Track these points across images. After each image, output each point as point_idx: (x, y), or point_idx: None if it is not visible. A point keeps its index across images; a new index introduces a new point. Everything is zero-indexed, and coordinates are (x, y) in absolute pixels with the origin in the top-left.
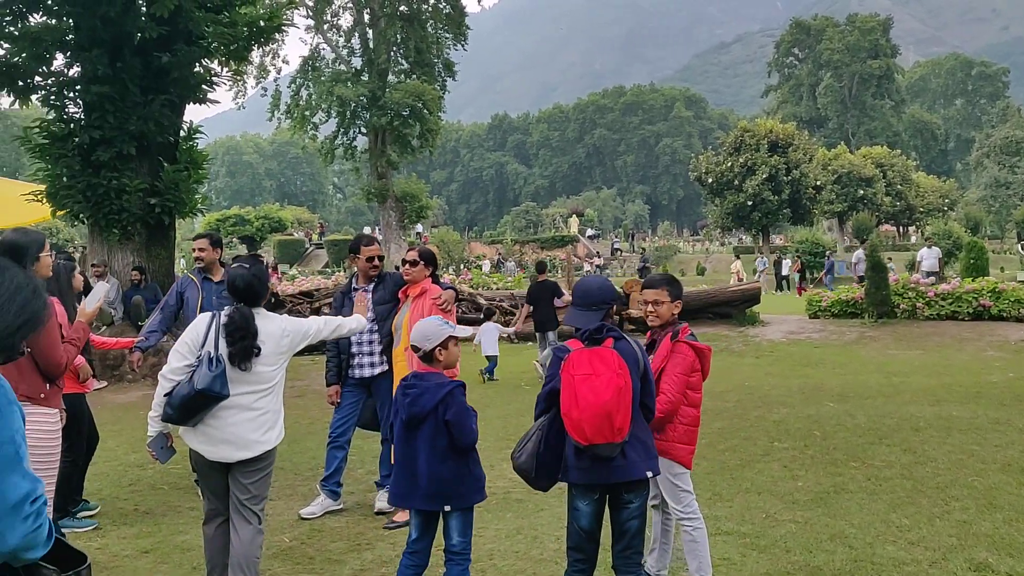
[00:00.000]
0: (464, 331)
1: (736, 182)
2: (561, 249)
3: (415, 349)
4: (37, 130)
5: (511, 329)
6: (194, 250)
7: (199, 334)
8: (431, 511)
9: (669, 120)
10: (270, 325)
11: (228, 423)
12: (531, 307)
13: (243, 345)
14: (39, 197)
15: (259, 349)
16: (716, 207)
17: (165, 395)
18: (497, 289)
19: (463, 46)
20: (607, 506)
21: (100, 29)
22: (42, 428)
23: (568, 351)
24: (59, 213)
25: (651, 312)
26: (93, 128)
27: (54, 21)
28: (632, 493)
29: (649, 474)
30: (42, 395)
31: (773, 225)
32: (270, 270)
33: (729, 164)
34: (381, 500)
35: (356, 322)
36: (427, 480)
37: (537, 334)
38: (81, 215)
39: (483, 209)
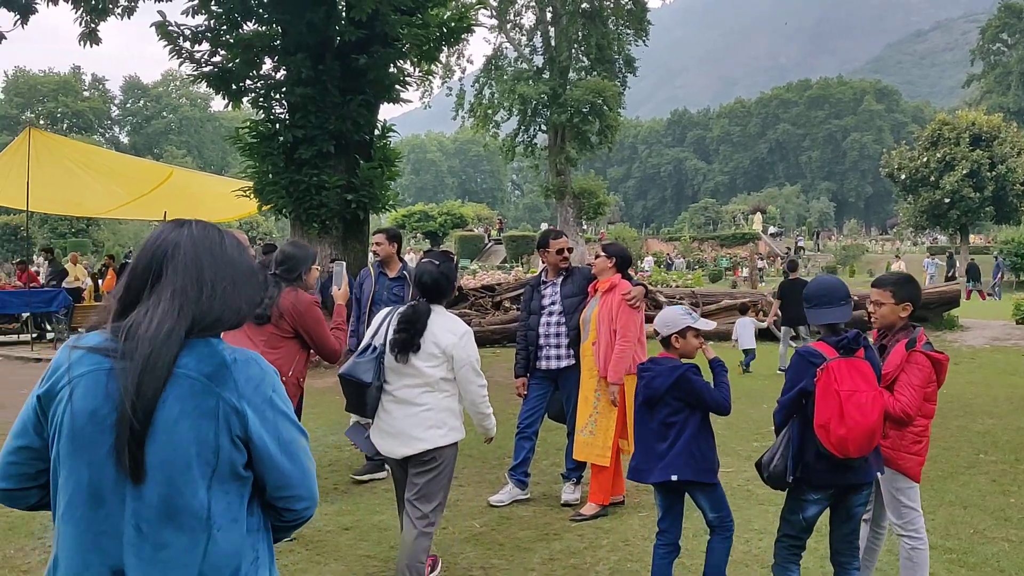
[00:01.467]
0: (706, 324)
1: (932, 178)
2: (742, 247)
3: (656, 334)
4: (247, 130)
5: (765, 323)
6: (373, 244)
7: (374, 327)
8: (672, 492)
9: (858, 114)
10: (443, 328)
11: (393, 417)
12: (780, 302)
13: (403, 337)
14: (247, 193)
15: (419, 346)
16: (909, 205)
17: None
18: (676, 287)
19: (644, 41)
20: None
21: (305, 34)
22: None
23: (816, 355)
24: (264, 208)
25: (872, 313)
26: (296, 127)
27: (264, 28)
28: (863, 490)
29: (878, 475)
30: (283, 379)
31: (973, 224)
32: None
33: (925, 159)
34: (568, 492)
35: (491, 425)
36: (661, 458)
37: (783, 328)
38: (284, 210)
39: (660, 206)
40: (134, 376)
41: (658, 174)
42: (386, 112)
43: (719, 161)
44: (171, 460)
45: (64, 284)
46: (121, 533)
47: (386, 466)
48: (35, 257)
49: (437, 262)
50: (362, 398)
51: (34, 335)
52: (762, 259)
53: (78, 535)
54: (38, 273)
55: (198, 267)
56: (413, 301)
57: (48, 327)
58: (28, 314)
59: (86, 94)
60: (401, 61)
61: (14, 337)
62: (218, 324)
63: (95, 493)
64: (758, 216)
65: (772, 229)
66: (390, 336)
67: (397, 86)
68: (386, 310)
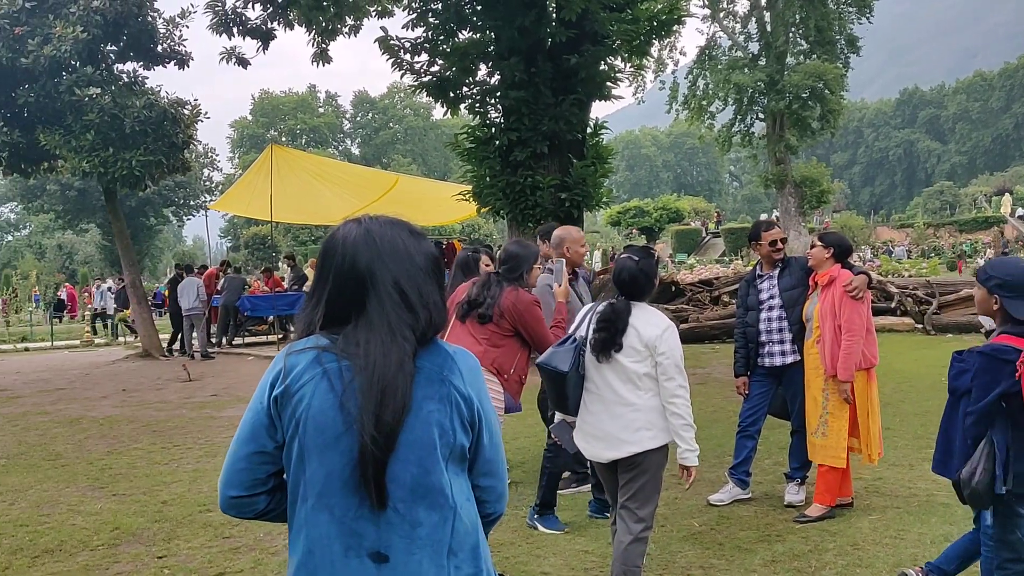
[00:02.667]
0: None
1: None
2: (984, 231)
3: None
4: (465, 135)
5: None
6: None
7: (577, 320)
8: None
9: None
10: (646, 324)
11: (598, 418)
12: None
13: (603, 336)
14: (466, 197)
15: (620, 345)
16: None
17: None
18: (909, 276)
19: (868, 19)
20: None
21: (517, 39)
22: (492, 399)
23: (1009, 350)
24: (483, 210)
25: None
26: (511, 130)
27: (478, 36)
28: None
29: None
30: (505, 376)
31: None
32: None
33: None
34: (791, 493)
35: (690, 437)
36: (959, 455)
37: None
38: (501, 211)
39: (890, 191)
40: (372, 407)
41: (886, 158)
42: (598, 110)
43: (955, 141)
44: (419, 441)
45: (305, 288)
46: (377, 516)
47: (590, 476)
48: (280, 264)
49: (637, 258)
50: (562, 389)
51: (280, 336)
52: (1006, 245)
53: (333, 521)
54: (283, 279)
55: (399, 282)
56: (611, 299)
57: (292, 328)
58: (274, 316)
59: (321, 110)
60: (612, 58)
61: (263, 338)
62: (434, 331)
63: (349, 479)
64: (1006, 198)
65: (1020, 211)
66: (590, 336)
67: (608, 83)
68: (589, 305)
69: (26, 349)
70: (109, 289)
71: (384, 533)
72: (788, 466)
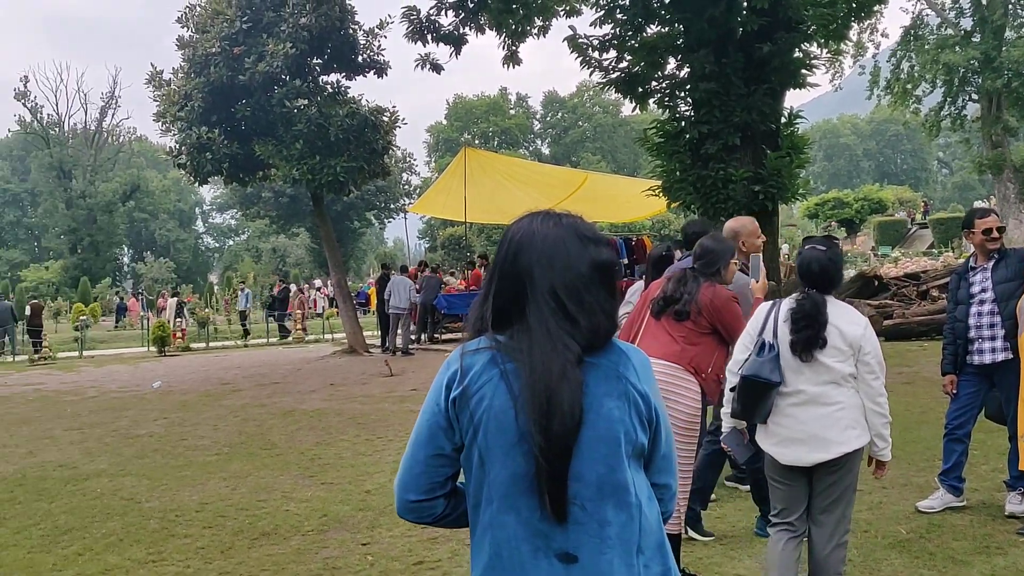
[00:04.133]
0: None
1: None
2: None
3: None
4: (654, 130)
5: None
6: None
7: (758, 322)
8: None
9: None
10: (848, 323)
11: (799, 420)
12: None
13: (807, 334)
14: (656, 192)
15: (825, 340)
16: None
17: (730, 389)
18: None
19: None
20: None
21: (706, 30)
22: (689, 398)
23: None
24: (673, 205)
25: None
26: (701, 123)
27: (666, 29)
28: None
29: None
30: (703, 375)
31: None
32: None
33: None
34: (1014, 503)
35: (887, 434)
36: None
37: None
38: (692, 206)
39: None
40: (538, 417)
41: None
42: (793, 99)
43: None
44: (603, 438)
45: None
46: (564, 516)
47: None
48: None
49: (823, 247)
50: (764, 401)
51: None
52: None
53: (520, 523)
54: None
55: (555, 289)
56: (797, 294)
57: None
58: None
59: (512, 112)
60: (807, 44)
61: (459, 335)
62: (601, 340)
63: (532, 480)
64: None
65: None
66: (786, 335)
67: (803, 71)
68: (768, 304)
69: (245, 345)
70: (318, 289)
71: (572, 533)
72: (1008, 474)
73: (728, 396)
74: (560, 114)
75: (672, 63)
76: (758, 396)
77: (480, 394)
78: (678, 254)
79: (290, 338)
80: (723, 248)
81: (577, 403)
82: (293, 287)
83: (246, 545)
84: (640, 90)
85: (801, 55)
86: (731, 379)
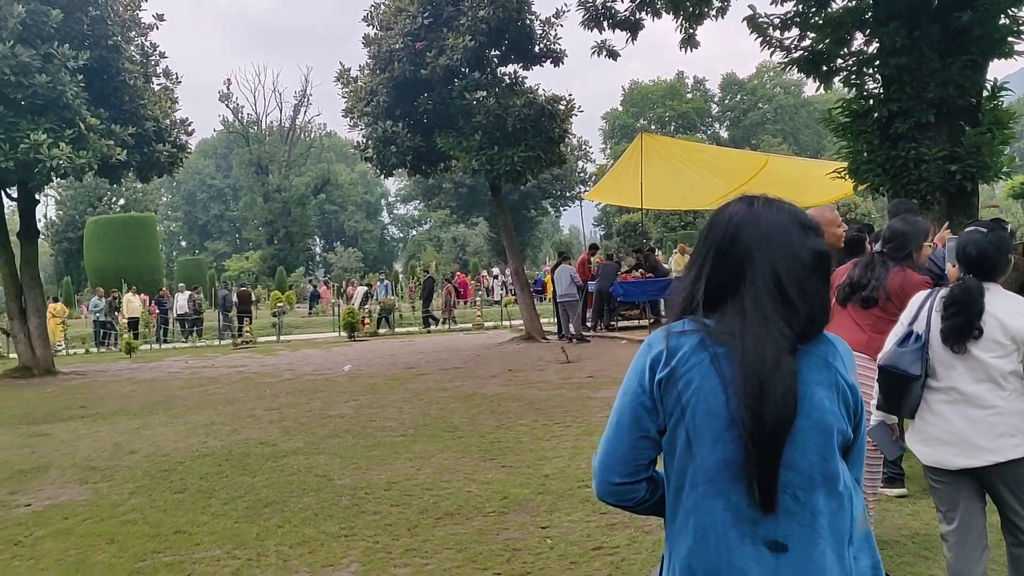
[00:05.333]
0: None
1: None
2: None
3: None
4: (839, 110)
5: None
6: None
7: (912, 311)
8: None
9: None
10: (1012, 314)
11: (947, 420)
12: None
13: (956, 322)
14: (841, 174)
15: (980, 331)
16: None
17: (877, 379)
18: None
19: None
20: None
21: (897, 1)
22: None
23: None
24: (860, 188)
25: None
26: (891, 101)
27: (853, 3)
28: None
29: None
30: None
31: None
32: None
33: None
34: None
35: None
36: None
37: None
38: (880, 188)
39: None
40: (750, 403)
41: None
42: (996, 70)
43: None
44: (815, 427)
45: (674, 275)
46: (773, 505)
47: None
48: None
49: (985, 229)
50: (905, 394)
51: (651, 320)
52: None
53: (728, 508)
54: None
55: (777, 274)
56: (959, 280)
57: (663, 313)
58: (645, 301)
59: (688, 96)
60: (1015, 9)
61: (635, 322)
62: (815, 330)
63: (744, 467)
64: None
65: None
66: (938, 323)
67: (1010, 38)
68: (924, 292)
69: (428, 331)
70: (495, 278)
71: (782, 522)
72: None
73: (876, 386)
74: (739, 96)
75: (859, 38)
76: (898, 388)
77: (688, 377)
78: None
79: (436, 327)
80: (915, 230)
81: (791, 391)
82: (442, 275)
83: (431, 524)
84: (824, 68)
85: (1007, 21)
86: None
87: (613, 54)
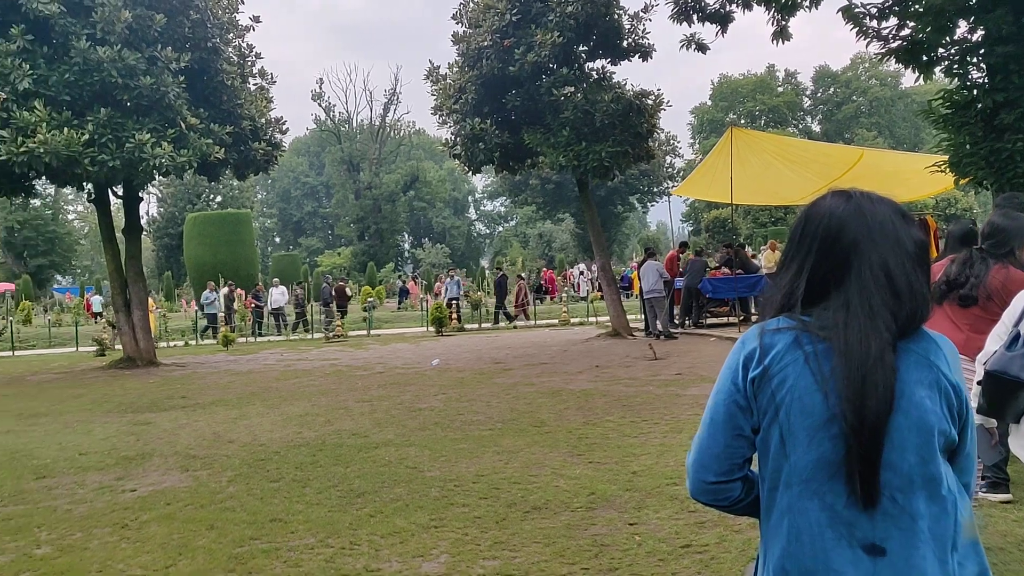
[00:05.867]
0: None
1: None
2: None
3: None
4: (940, 101)
5: None
6: None
7: (1016, 311)
8: None
9: None
10: None
11: None
12: None
13: None
14: (941, 168)
15: None
16: None
17: (977, 382)
18: None
19: None
20: None
21: None
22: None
23: None
24: (962, 182)
25: None
26: (996, 91)
27: None
28: None
29: None
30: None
31: None
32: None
33: None
34: None
35: None
36: None
37: None
38: (983, 182)
39: None
40: (853, 396)
41: None
42: None
43: None
44: (915, 427)
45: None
46: (872, 506)
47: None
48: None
49: None
50: (1012, 400)
51: (740, 317)
52: None
53: (824, 509)
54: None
55: (887, 265)
56: None
57: (753, 310)
58: (735, 298)
59: (779, 89)
60: None
61: (724, 319)
62: (917, 323)
63: (840, 467)
64: None
65: None
66: None
67: None
68: None
69: (514, 327)
70: (581, 274)
71: (880, 524)
72: None
73: (975, 390)
74: (832, 89)
75: (962, 26)
76: (1005, 394)
77: (782, 375)
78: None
79: (510, 324)
80: (1017, 226)
81: (890, 387)
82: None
83: (519, 517)
84: (924, 58)
85: None
86: (979, 370)
87: (702, 47)
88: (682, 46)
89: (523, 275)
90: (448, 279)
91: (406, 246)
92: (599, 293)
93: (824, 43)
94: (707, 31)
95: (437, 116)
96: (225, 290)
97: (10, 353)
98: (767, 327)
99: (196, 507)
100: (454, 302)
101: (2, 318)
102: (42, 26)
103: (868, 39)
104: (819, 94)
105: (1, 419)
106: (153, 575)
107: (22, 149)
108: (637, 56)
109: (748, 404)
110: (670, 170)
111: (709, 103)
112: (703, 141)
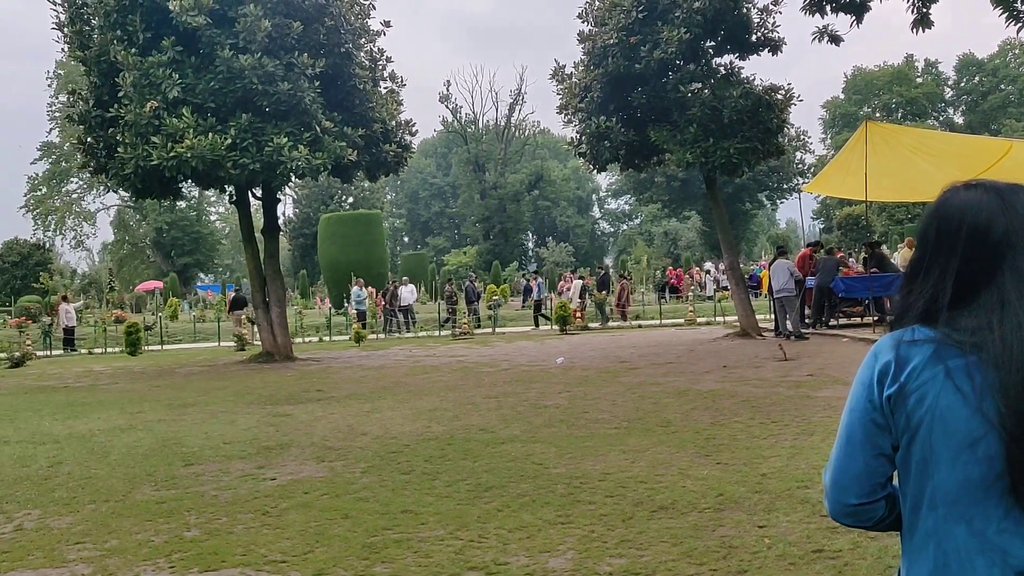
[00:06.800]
0: None
1: None
2: None
3: None
4: None
5: None
6: None
7: None
8: None
9: None
10: None
11: None
12: None
13: None
14: None
15: None
16: None
17: None
18: None
19: None
20: None
21: None
22: None
23: None
24: None
25: None
26: None
27: None
28: None
29: None
30: None
31: None
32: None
33: None
34: None
35: None
36: None
37: None
38: None
39: None
40: (1016, 405)
41: None
42: None
43: None
44: None
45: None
46: None
47: None
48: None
49: None
50: None
51: (875, 318)
52: None
53: (971, 534)
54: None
55: None
56: None
57: (889, 311)
58: (869, 297)
59: (919, 80)
60: None
61: (858, 320)
62: None
63: (990, 489)
64: None
65: None
66: None
67: None
68: None
69: (639, 326)
70: (707, 272)
71: None
72: None
73: None
74: (977, 78)
75: None
76: None
77: (920, 392)
78: None
79: (604, 324)
80: None
81: None
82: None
83: (645, 516)
84: None
85: None
86: None
87: (836, 39)
88: (814, 38)
89: (627, 275)
90: (535, 280)
91: (530, 245)
92: (726, 292)
93: (969, 30)
94: (841, 22)
95: (562, 115)
96: (393, 285)
97: (159, 347)
98: (903, 338)
99: (332, 496)
100: (578, 301)
101: (152, 314)
102: (190, 37)
103: (1019, 24)
104: (963, 84)
105: (153, 408)
106: (293, 560)
107: (171, 154)
108: (767, 50)
109: (886, 422)
110: (800, 166)
111: (842, 96)
112: (835, 136)
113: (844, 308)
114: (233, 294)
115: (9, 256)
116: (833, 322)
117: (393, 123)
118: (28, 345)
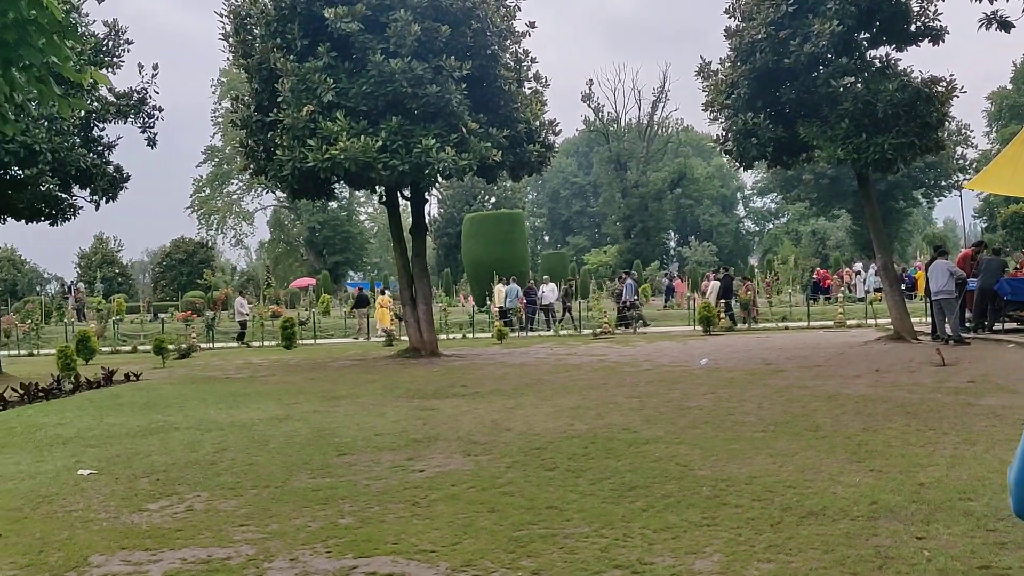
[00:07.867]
0: None
1: None
2: None
3: None
4: None
5: None
6: None
7: None
8: None
9: None
10: None
11: None
12: None
13: None
14: None
15: None
16: None
17: None
18: None
19: None
20: None
21: None
22: None
23: None
24: None
25: None
26: None
27: None
28: None
29: None
30: None
31: None
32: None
33: None
34: None
35: None
36: None
37: None
38: None
39: None
40: None
41: None
42: None
43: None
44: None
45: None
46: None
47: None
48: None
49: None
50: None
51: None
52: None
53: None
54: None
55: None
56: None
57: None
58: None
59: None
60: None
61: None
62: None
63: None
64: None
65: None
66: None
67: None
68: None
69: (786, 328)
70: (858, 274)
71: None
72: None
73: None
74: None
75: None
76: None
77: None
78: None
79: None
80: None
81: None
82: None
83: (794, 522)
84: None
85: None
86: None
87: (1006, 25)
88: (981, 25)
89: (750, 278)
90: (626, 281)
91: (672, 244)
92: (878, 294)
93: None
94: (1012, 7)
95: (708, 112)
96: (532, 283)
97: (312, 341)
98: None
99: (478, 490)
100: (722, 302)
101: (306, 310)
102: (344, 43)
103: None
104: None
105: (308, 400)
106: (442, 551)
107: (326, 156)
108: (927, 40)
109: None
110: (961, 162)
111: (1010, 86)
112: (1002, 129)
113: (1010, 312)
114: (356, 292)
115: (176, 254)
116: (997, 326)
117: (537, 123)
118: (194, 338)
